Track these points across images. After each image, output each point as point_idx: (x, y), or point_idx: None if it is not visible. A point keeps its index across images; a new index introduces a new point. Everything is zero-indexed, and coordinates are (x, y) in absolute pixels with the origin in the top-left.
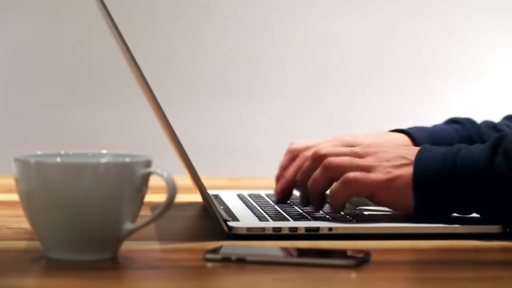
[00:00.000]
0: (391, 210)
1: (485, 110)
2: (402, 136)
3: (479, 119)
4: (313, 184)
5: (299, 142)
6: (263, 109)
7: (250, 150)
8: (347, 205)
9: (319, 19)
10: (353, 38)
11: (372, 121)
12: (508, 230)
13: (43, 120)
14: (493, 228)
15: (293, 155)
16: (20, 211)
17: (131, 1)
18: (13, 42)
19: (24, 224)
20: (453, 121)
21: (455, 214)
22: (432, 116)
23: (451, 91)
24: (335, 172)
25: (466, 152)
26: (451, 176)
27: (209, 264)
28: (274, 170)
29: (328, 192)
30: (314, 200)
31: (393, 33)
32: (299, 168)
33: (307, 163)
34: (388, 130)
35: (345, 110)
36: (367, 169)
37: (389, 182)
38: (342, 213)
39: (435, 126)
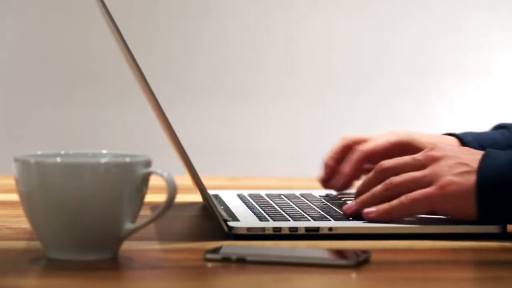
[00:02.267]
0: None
1: (486, 111)
2: (453, 138)
3: (480, 119)
4: (372, 197)
5: (353, 134)
6: (263, 109)
7: (251, 150)
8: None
9: (319, 19)
10: (353, 38)
11: (373, 122)
12: None
13: (43, 120)
14: (493, 228)
15: (346, 142)
16: (20, 211)
17: (131, 1)
18: (13, 42)
19: (24, 224)
20: (500, 126)
21: None
22: (433, 116)
23: (451, 91)
24: (395, 192)
25: None
26: None
27: (209, 264)
28: (275, 170)
29: (381, 206)
30: (357, 209)
31: (394, 33)
32: (356, 165)
33: (370, 174)
34: (442, 133)
35: (345, 111)
36: (428, 182)
37: (449, 194)
38: (341, 212)
39: (484, 131)
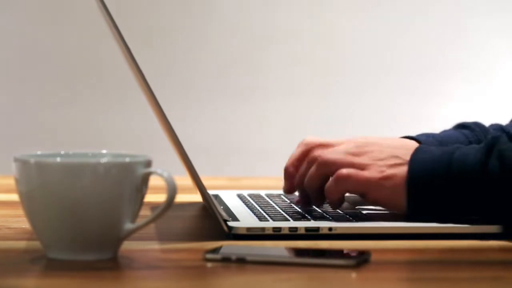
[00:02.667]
0: (384, 209)
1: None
2: (413, 142)
3: (482, 120)
4: (309, 180)
5: (313, 138)
6: (264, 109)
7: (251, 150)
8: (347, 205)
9: (322, 18)
10: (355, 38)
11: (375, 121)
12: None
13: (43, 120)
14: (493, 228)
15: (306, 148)
16: (20, 211)
17: (131, 1)
18: (13, 42)
19: (24, 224)
20: (461, 126)
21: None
22: (436, 117)
23: (454, 92)
24: (329, 169)
25: (461, 154)
26: (445, 177)
27: (209, 264)
28: (275, 170)
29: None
30: (313, 198)
31: (397, 33)
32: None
33: (303, 166)
34: (399, 136)
35: (346, 111)
36: (361, 167)
37: (382, 181)
38: (341, 212)
39: (444, 132)
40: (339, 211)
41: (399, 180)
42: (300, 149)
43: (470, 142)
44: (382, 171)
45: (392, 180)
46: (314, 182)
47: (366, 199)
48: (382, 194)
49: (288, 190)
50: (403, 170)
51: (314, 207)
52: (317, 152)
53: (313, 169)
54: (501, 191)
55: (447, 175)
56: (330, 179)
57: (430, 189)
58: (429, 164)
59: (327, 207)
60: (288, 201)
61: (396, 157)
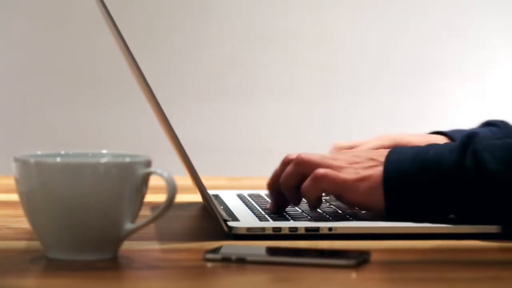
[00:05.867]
0: (361, 210)
1: (487, 111)
2: (443, 138)
3: (481, 120)
4: (285, 178)
5: (343, 141)
6: (264, 109)
7: (251, 150)
8: (342, 205)
9: (322, 19)
10: (355, 39)
11: (374, 121)
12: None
13: (43, 120)
14: (493, 228)
15: (338, 148)
16: (20, 211)
17: (131, 1)
18: (13, 42)
19: (24, 224)
20: (488, 123)
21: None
22: (436, 117)
23: (455, 92)
24: (306, 168)
25: (435, 153)
26: (420, 177)
27: (209, 264)
28: None
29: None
30: (289, 197)
31: (396, 34)
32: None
33: (278, 168)
34: (428, 132)
35: (346, 111)
36: (337, 169)
37: (359, 182)
38: (341, 212)
39: (472, 129)
40: (338, 211)
41: (375, 180)
42: (333, 151)
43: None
44: (358, 173)
45: (368, 181)
46: (290, 180)
47: (341, 201)
48: (358, 195)
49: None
50: (378, 170)
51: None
52: (293, 155)
53: (290, 167)
54: (476, 188)
55: (422, 174)
56: (307, 179)
57: (407, 188)
58: (404, 163)
59: (327, 207)
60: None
61: (372, 159)
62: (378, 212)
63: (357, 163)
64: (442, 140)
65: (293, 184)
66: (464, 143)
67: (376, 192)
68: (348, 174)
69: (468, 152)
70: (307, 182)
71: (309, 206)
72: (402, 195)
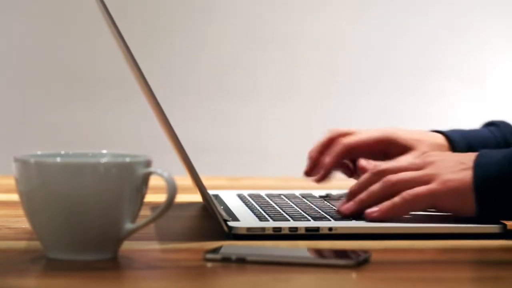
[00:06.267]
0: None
1: (486, 112)
2: (440, 136)
3: (480, 120)
4: (369, 196)
5: (340, 128)
6: (264, 109)
7: (251, 150)
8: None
9: (322, 19)
10: (354, 39)
11: (374, 122)
12: None
13: (43, 120)
14: (493, 228)
15: (331, 134)
16: (20, 211)
17: (131, 1)
18: (13, 42)
19: (24, 224)
20: (489, 124)
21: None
22: (434, 117)
23: (455, 92)
24: (395, 189)
25: None
26: (510, 181)
27: (209, 264)
28: (275, 170)
29: (383, 204)
30: (355, 209)
31: (396, 34)
32: (336, 158)
33: (366, 176)
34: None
35: (346, 111)
36: (427, 181)
37: (449, 189)
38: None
39: (472, 129)
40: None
41: (466, 185)
42: (326, 136)
43: (496, 139)
44: (449, 180)
45: (459, 187)
46: (375, 198)
47: (436, 210)
48: (450, 202)
49: (307, 172)
50: (468, 174)
51: (315, 207)
52: (382, 167)
53: (378, 187)
54: None
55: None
56: (395, 198)
57: (497, 191)
58: (494, 167)
59: (327, 208)
60: (288, 201)
61: (461, 163)
62: (469, 215)
63: (446, 167)
64: (439, 138)
65: (376, 203)
66: None
67: (468, 197)
68: (438, 182)
69: None
70: (397, 204)
71: (382, 218)
72: (493, 198)
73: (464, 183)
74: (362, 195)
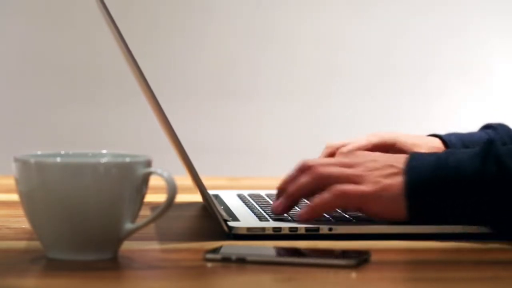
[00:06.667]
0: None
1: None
2: (437, 139)
3: (482, 120)
4: (298, 189)
5: (335, 141)
6: (264, 109)
7: (251, 150)
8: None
9: (322, 20)
10: (356, 40)
11: (375, 122)
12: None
13: (43, 120)
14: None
15: (329, 150)
16: (20, 211)
17: (132, 1)
18: (13, 42)
19: (24, 224)
20: (486, 127)
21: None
22: (436, 116)
23: (454, 92)
24: (323, 182)
25: (455, 160)
26: (442, 185)
27: (209, 264)
28: (275, 170)
29: (312, 199)
30: (286, 204)
31: (397, 34)
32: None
33: (293, 171)
34: (426, 135)
35: (346, 111)
36: (357, 179)
37: (379, 193)
38: (341, 212)
39: (469, 132)
40: (339, 211)
41: (396, 190)
42: (325, 152)
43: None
44: (378, 182)
45: (389, 191)
46: (303, 191)
47: (363, 212)
48: (379, 206)
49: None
50: (399, 179)
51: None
52: (310, 163)
53: (305, 178)
54: (501, 194)
55: (444, 183)
56: (323, 192)
57: (428, 196)
58: (425, 171)
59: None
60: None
61: (391, 166)
62: (400, 220)
63: (376, 169)
64: (437, 142)
65: (306, 195)
66: (485, 150)
67: (398, 202)
68: (368, 185)
69: (490, 159)
70: (325, 198)
71: (308, 216)
72: (424, 203)
73: (394, 187)
74: (290, 189)
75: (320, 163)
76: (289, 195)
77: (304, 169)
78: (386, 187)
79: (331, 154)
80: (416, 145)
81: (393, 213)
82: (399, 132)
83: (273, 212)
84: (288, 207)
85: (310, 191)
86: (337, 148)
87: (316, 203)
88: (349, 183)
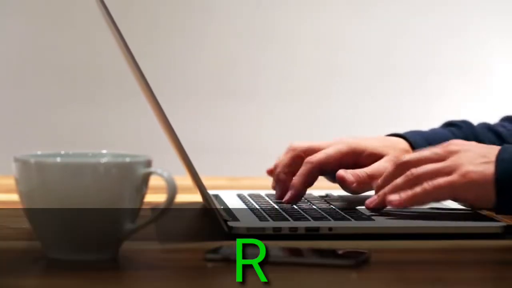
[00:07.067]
0: (472, 206)
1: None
2: (401, 140)
3: (482, 120)
4: (394, 190)
5: (301, 142)
6: (264, 109)
7: (251, 150)
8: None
9: (322, 20)
10: (356, 40)
11: (375, 122)
12: None
13: (43, 120)
14: (493, 228)
15: (294, 153)
16: (20, 211)
17: (132, 1)
18: (13, 42)
19: (24, 224)
20: (449, 124)
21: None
22: (435, 117)
23: (454, 92)
24: (417, 182)
25: None
26: None
27: (209, 264)
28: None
29: (405, 193)
30: (381, 202)
31: (397, 34)
32: (308, 178)
33: (390, 169)
34: (385, 134)
35: (346, 112)
36: (449, 172)
37: (470, 181)
38: (341, 212)
39: (432, 130)
40: (339, 211)
41: (487, 178)
42: (289, 155)
43: (457, 139)
44: (471, 171)
45: (480, 179)
46: (397, 191)
47: (456, 201)
48: (471, 193)
49: (280, 197)
50: (490, 168)
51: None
52: (405, 159)
53: (401, 181)
54: None
55: None
56: (417, 188)
57: None
58: None
59: (327, 208)
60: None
61: (484, 156)
62: (488, 207)
63: (469, 159)
64: (401, 142)
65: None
66: None
67: (488, 190)
68: (460, 175)
69: None
70: (418, 194)
71: (403, 206)
72: None
73: (485, 176)
74: (386, 189)
75: (415, 160)
76: (384, 194)
77: (399, 165)
78: (476, 175)
79: (295, 158)
80: (387, 146)
81: (483, 200)
82: (358, 136)
83: (366, 207)
84: (381, 205)
85: (405, 190)
86: (303, 151)
87: (409, 197)
88: (440, 177)
